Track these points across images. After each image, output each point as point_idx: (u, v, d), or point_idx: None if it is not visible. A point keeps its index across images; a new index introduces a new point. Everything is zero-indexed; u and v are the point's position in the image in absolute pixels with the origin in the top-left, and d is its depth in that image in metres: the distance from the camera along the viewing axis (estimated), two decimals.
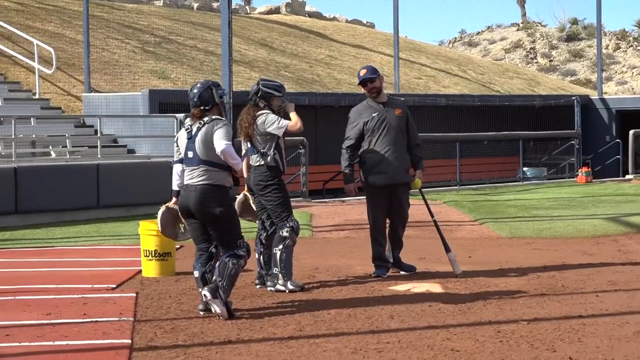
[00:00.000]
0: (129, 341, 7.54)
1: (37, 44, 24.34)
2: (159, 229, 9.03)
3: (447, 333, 7.77)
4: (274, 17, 40.45)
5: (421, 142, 11.07)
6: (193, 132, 8.48)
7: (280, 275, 9.63)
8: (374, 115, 10.65)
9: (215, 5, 37.33)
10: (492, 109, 31.26)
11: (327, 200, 21.65)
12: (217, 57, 26.93)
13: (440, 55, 41.36)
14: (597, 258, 12.11)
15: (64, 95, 24.60)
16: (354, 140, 10.69)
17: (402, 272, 10.78)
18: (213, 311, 8.32)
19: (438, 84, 35.34)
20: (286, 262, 9.65)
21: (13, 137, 18.82)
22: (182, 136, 8.63)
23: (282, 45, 34.64)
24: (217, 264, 8.46)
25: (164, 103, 22.31)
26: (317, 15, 42.88)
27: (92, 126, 22.58)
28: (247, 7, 42.55)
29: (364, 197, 10.96)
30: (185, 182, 8.50)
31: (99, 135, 20.60)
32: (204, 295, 8.30)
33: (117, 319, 8.33)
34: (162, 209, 8.90)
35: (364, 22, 44.14)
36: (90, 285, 10.09)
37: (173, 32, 31.88)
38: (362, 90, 10.92)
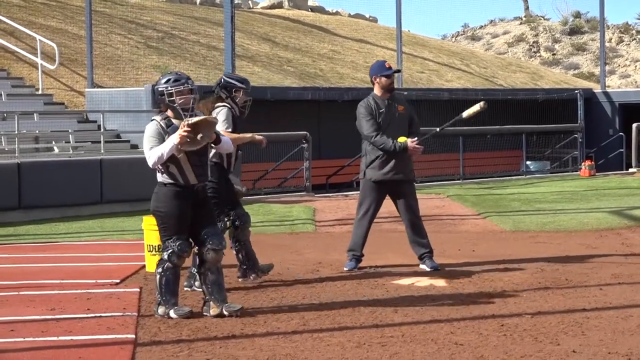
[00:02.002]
0: (133, 336, 7.55)
1: (40, 40, 24.34)
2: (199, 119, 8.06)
3: (451, 327, 7.78)
4: (276, 11, 40.41)
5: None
6: None
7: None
8: (381, 110, 10.65)
9: (217, 0, 37.31)
10: (495, 102, 31.17)
11: (330, 194, 21.64)
12: (220, 52, 26.93)
13: (443, 49, 41.32)
14: (600, 251, 12.11)
15: (67, 90, 24.61)
16: (378, 131, 10.59)
17: (422, 266, 10.74)
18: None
19: (441, 78, 35.31)
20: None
21: (16, 132, 18.83)
22: None
23: (284, 39, 34.61)
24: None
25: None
26: (320, 10, 42.84)
27: (95, 121, 22.58)
28: (249, 1, 42.50)
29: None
30: None
31: (102, 130, 20.61)
32: (156, 315, 8.20)
33: (121, 314, 8.34)
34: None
35: (367, 16, 44.10)
36: (94, 281, 10.10)
37: (176, 27, 31.86)
38: (375, 82, 10.77)
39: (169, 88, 8.13)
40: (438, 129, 10.96)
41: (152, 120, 8.18)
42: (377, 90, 10.76)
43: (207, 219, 8.30)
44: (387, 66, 10.72)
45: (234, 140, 9.18)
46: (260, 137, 9.85)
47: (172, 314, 8.12)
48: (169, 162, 8.07)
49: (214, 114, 9.39)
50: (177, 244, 8.13)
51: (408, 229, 10.84)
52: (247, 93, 9.91)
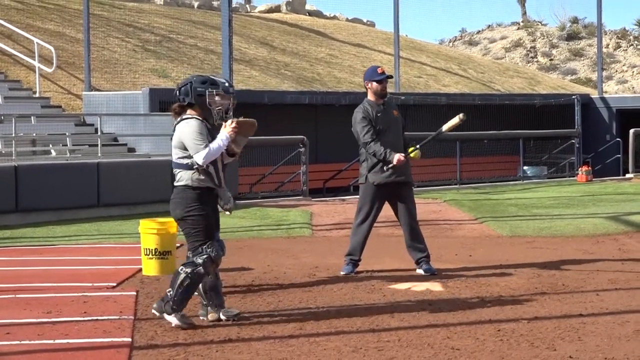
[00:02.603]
0: (130, 339, 7.54)
1: (37, 43, 24.36)
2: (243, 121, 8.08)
3: (448, 332, 7.78)
4: (274, 15, 40.44)
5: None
6: (173, 134, 8.08)
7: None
8: (378, 115, 10.67)
9: (215, 3, 37.32)
10: (493, 107, 31.24)
11: (328, 198, 21.65)
12: (218, 56, 26.94)
13: (441, 54, 41.35)
14: (597, 257, 12.12)
15: (64, 93, 24.61)
16: (374, 137, 10.61)
17: (418, 271, 10.75)
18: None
19: (438, 82, 35.33)
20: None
21: (13, 135, 18.82)
22: None
23: (282, 43, 34.63)
24: (175, 272, 8.05)
25: (165, 102, 22.27)
26: (318, 14, 42.88)
27: (92, 125, 22.58)
28: (247, 5, 42.53)
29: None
30: None
31: (99, 133, 20.60)
32: (153, 313, 7.98)
33: (117, 317, 8.33)
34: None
35: (365, 20, 44.13)
36: (90, 284, 10.09)
37: (173, 31, 31.87)
38: (367, 87, 10.81)
39: (211, 90, 8.03)
40: (418, 146, 10.85)
41: (191, 118, 7.93)
42: (370, 96, 10.79)
43: (218, 224, 8.25)
44: (380, 71, 10.75)
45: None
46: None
47: (175, 320, 7.89)
48: (210, 162, 7.96)
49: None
50: (212, 249, 7.93)
51: (406, 234, 10.84)
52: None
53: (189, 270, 7.87)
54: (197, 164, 7.86)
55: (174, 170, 8.04)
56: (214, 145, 7.87)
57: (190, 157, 7.89)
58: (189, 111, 8.02)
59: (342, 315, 8.43)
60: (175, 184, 8.03)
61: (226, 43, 19.75)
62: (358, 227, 10.84)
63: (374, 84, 10.72)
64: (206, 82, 8.02)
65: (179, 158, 7.97)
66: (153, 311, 8.04)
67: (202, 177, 7.92)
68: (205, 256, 7.90)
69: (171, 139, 8.07)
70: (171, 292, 7.88)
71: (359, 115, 10.70)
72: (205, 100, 7.95)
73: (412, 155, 10.59)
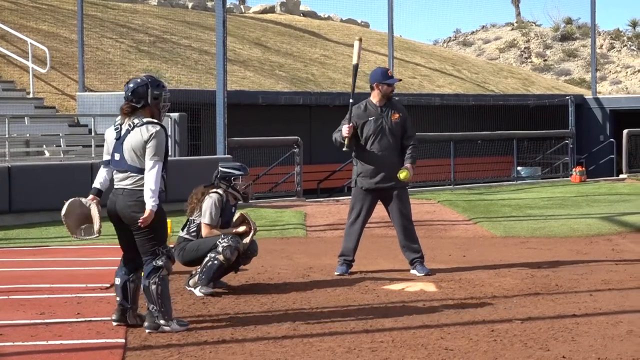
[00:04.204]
0: (123, 340, 7.54)
1: (31, 43, 24.33)
2: (62, 212, 8.35)
3: (441, 332, 7.78)
4: (268, 16, 40.44)
5: (417, 144, 10.96)
6: (122, 133, 7.92)
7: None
8: (370, 119, 10.67)
9: (209, 4, 37.33)
10: (487, 108, 31.28)
11: (322, 199, 21.65)
12: (212, 57, 26.91)
13: (435, 54, 41.37)
14: (590, 257, 12.14)
15: (58, 94, 24.58)
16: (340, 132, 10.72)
17: (412, 271, 10.75)
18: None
19: (432, 83, 35.35)
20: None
21: (7, 136, 18.81)
22: (109, 135, 8.11)
23: (276, 44, 34.63)
24: (142, 288, 7.95)
25: None
26: (312, 15, 42.88)
27: (86, 125, 22.56)
28: (241, 6, 42.52)
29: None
30: (115, 185, 8.09)
31: (93, 134, 20.58)
32: (149, 332, 7.82)
33: (111, 318, 8.32)
34: (76, 199, 8.36)
35: (359, 21, 44.15)
36: (84, 285, 10.08)
37: (167, 32, 31.85)
38: (375, 88, 10.79)
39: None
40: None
41: (156, 124, 7.86)
42: (374, 97, 10.79)
43: None
44: (390, 74, 10.79)
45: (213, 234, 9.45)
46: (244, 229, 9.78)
47: (176, 327, 7.86)
48: (165, 171, 7.93)
49: (205, 202, 9.69)
50: (167, 249, 8.03)
51: (399, 234, 10.86)
52: (246, 178, 9.91)
53: (155, 279, 7.89)
54: (147, 166, 7.80)
55: (129, 173, 7.91)
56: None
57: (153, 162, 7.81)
58: (139, 112, 7.94)
59: (336, 316, 8.44)
60: (130, 187, 7.92)
61: (220, 44, 19.72)
62: (350, 227, 10.87)
63: (385, 86, 10.73)
64: (160, 85, 8.02)
65: (140, 162, 7.86)
66: (148, 331, 7.85)
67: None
68: (164, 257, 7.95)
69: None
70: (154, 307, 7.88)
71: (351, 109, 10.72)
72: (159, 104, 7.96)
73: (401, 177, 10.59)
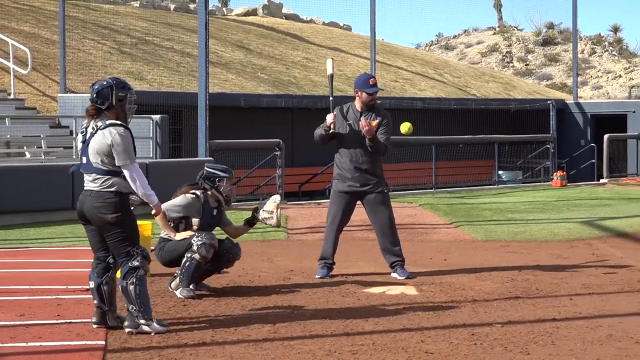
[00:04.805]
0: (103, 342, 7.51)
1: (12, 44, 24.23)
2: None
3: (422, 335, 7.79)
4: (250, 19, 40.42)
5: (386, 145, 10.86)
6: (87, 136, 7.90)
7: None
8: (349, 122, 10.67)
9: (192, 6, 37.28)
10: (468, 112, 31.36)
11: (303, 202, 21.65)
12: (194, 59, 26.89)
13: (417, 58, 41.45)
14: (571, 261, 12.17)
15: (39, 95, 24.50)
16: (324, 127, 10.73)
17: (393, 274, 10.76)
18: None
19: (414, 87, 35.41)
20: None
21: None
22: (78, 138, 8.11)
23: (258, 47, 34.61)
24: (121, 289, 7.93)
25: (140, 104, 22.14)
26: (294, 18, 42.88)
27: (67, 127, 22.50)
28: (224, 8, 42.50)
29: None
30: (84, 187, 7.98)
31: (74, 135, 20.51)
32: (129, 332, 7.82)
33: (91, 320, 8.29)
34: None
35: (341, 24, 44.17)
36: (64, 286, 10.05)
37: (149, 33, 31.80)
38: (356, 95, 10.78)
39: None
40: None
41: (121, 127, 7.90)
42: (357, 102, 10.80)
43: None
44: (372, 83, 10.70)
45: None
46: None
47: (156, 327, 7.84)
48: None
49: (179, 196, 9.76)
50: (142, 249, 8.01)
51: (379, 238, 10.86)
52: (230, 181, 9.89)
53: (132, 279, 7.88)
54: (124, 173, 7.79)
55: (95, 175, 7.84)
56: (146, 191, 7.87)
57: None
58: (105, 113, 7.93)
59: (317, 319, 8.43)
60: (97, 188, 7.85)
61: (202, 46, 19.70)
62: (328, 229, 10.89)
63: (364, 94, 10.72)
64: (125, 86, 8.03)
65: (110, 164, 7.82)
66: (128, 330, 7.85)
67: (120, 185, 7.89)
68: (139, 257, 7.94)
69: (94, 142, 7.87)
70: (133, 307, 7.87)
71: (334, 111, 10.72)
72: (124, 105, 7.97)
73: (405, 131, 10.77)
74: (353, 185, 10.68)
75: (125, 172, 7.79)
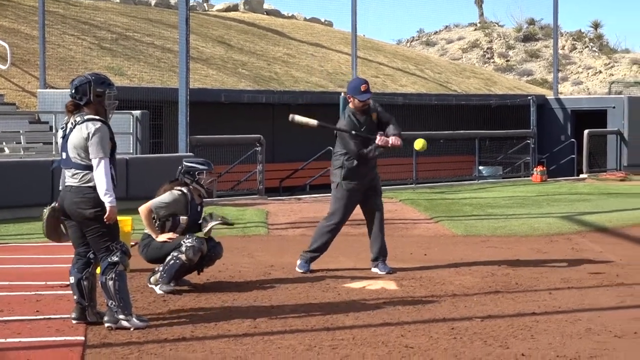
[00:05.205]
0: (83, 338, 7.50)
1: None
2: (44, 233, 8.26)
3: (402, 330, 7.81)
4: (231, 14, 40.36)
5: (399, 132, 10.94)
6: (66, 132, 7.92)
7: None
8: (363, 128, 10.68)
9: (172, 2, 37.19)
10: (449, 108, 31.40)
11: (284, 197, 21.65)
12: (175, 54, 26.83)
13: (398, 54, 41.48)
14: (550, 256, 12.22)
15: (18, 91, 24.40)
16: (360, 147, 10.67)
17: (374, 269, 10.78)
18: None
19: (395, 82, 35.44)
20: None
21: None
22: (59, 135, 8.16)
23: (239, 42, 34.57)
24: (100, 285, 7.94)
25: (120, 100, 22.06)
26: (275, 13, 42.85)
27: (47, 122, 22.41)
28: (205, 4, 42.39)
29: (329, 193, 10.99)
30: (65, 182, 7.97)
31: (54, 131, 20.44)
32: (108, 327, 7.83)
33: (70, 316, 8.27)
34: (47, 211, 8.10)
35: (322, 20, 44.16)
36: (43, 282, 10.02)
37: (130, 29, 31.71)
38: (349, 100, 10.80)
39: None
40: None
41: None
42: (352, 105, 10.80)
43: None
44: (363, 89, 10.66)
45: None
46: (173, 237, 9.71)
47: (135, 322, 7.85)
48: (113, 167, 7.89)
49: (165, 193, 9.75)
50: (121, 244, 8.01)
51: (376, 226, 10.88)
52: (210, 174, 9.87)
53: (112, 274, 7.88)
54: (94, 166, 7.75)
55: (74, 170, 7.84)
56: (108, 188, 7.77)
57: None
58: (85, 109, 7.93)
59: (297, 314, 8.44)
60: (76, 184, 7.84)
61: (183, 41, 19.66)
62: (331, 227, 10.82)
63: (356, 101, 10.72)
64: (104, 82, 8.02)
65: (88, 159, 7.80)
66: (108, 325, 7.85)
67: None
68: (119, 252, 7.93)
69: (88, 137, 7.80)
70: (113, 302, 7.87)
71: (344, 126, 10.68)
72: (103, 101, 7.95)
73: (418, 148, 10.91)
74: (367, 180, 10.76)
75: (95, 165, 7.73)
